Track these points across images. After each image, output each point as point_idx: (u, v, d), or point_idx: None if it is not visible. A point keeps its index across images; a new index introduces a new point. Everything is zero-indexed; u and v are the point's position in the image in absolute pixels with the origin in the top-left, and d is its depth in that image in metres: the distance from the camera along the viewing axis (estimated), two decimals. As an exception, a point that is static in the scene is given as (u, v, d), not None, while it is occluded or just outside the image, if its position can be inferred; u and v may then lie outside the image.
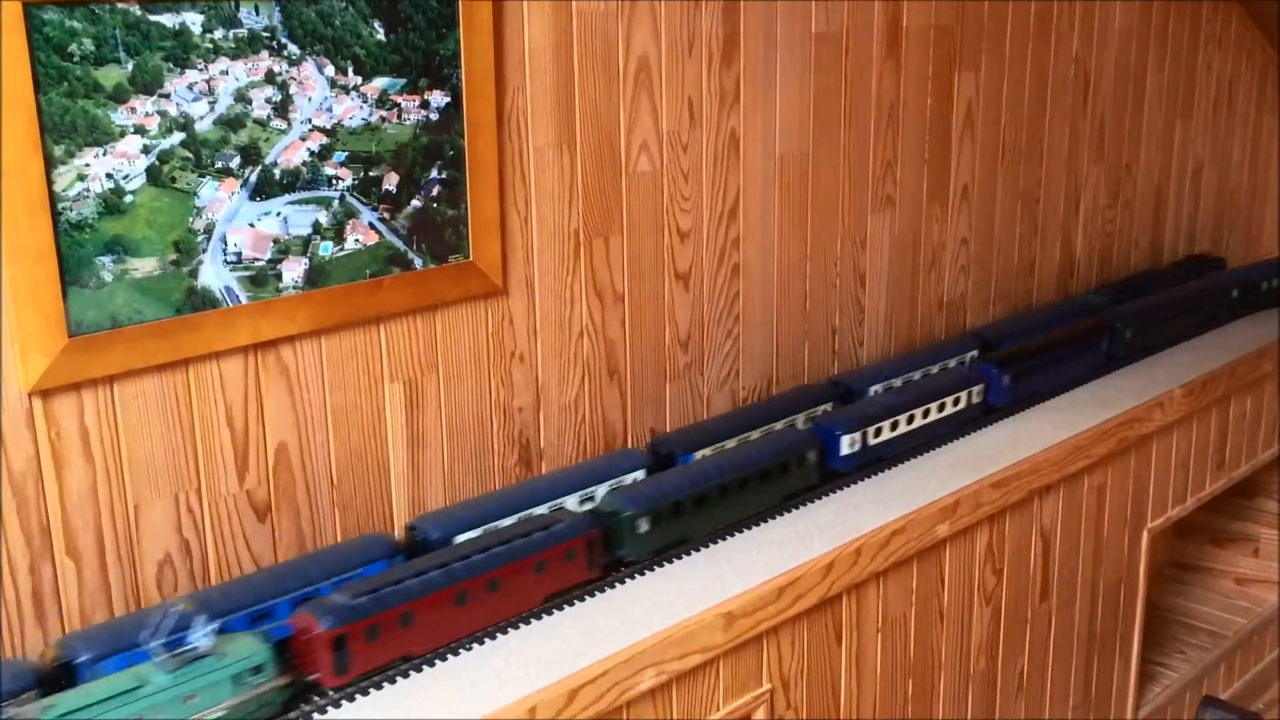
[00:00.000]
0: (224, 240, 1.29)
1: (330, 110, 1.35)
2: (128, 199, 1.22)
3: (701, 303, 1.81)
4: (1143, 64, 2.61)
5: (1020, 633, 2.00)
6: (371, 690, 1.28)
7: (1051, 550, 2.02)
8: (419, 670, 1.32)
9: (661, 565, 1.54)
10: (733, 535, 1.62)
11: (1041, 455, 1.90)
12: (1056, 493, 1.99)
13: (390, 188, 1.42)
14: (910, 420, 1.86)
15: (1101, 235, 2.62)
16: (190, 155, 1.25)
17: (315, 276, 1.37)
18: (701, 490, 1.56)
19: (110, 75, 1.19)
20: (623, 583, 1.50)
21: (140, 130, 1.21)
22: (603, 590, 1.48)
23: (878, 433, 1.80)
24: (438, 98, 1.43)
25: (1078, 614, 2.13)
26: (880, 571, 1.66)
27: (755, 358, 1.91)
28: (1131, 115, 2.62)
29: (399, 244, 1.44)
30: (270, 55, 1.29)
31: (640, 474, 1.64)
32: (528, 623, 1.41)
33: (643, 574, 1.52)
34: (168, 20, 1.21)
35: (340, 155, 1.37)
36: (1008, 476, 1.83)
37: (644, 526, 1.50)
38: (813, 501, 1.71)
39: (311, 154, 1.35)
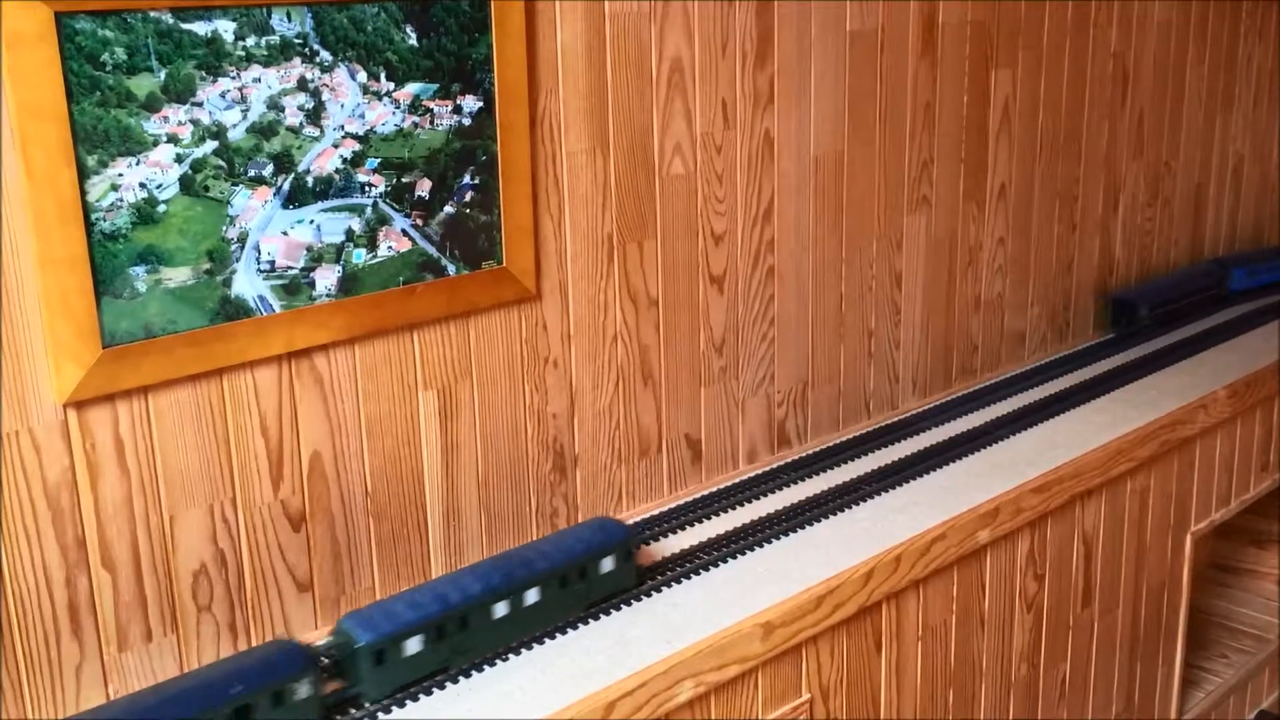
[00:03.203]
0: (257, 249, 1.28)
1: (363, 117, 1.34)
2: (161, 208, 1.21)
3: (736, 306, 1.79)
4: (1182, 58, 2.57)
5: (1062, 639, 1.97)
6: (408, 702, 1.27)
7: (1094, 555, 1.99)
8: (454, 681, 1.30)
9: (698, 573, 1.52)
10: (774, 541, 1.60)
11: (1083, 459, 1.87)
12: (1098, 497, 1.95)
13: (423, 194, 1.40)
14: None
15: (1141, 234, 2.57)
16: (223, 164, 1.24)
17: (348, 284, 1.36)
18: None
19: (143, 84, 1.18)
20: (659, 591, 1.49)
21: (173, 139, 1.20)
22: (639, 599, 1.47)
23: None
24: (470, 102, 1.42)
25: (1120, 619, 2.10)
26: (920, 579, 1.63)
27: (790, 361, 1.89)
28: (1171, 111, 2.58)
29: (432, 250, 1.43)
30: (302, 62, 1.28)
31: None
32: (564, 633, 1.40)
33: (679, 583, 1.51)
34: (200, 28, 1.21)
35: (373, 162, 1.36)
36: (1049, 481, 1.80)
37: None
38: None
39: (344, 161, 1.34)
